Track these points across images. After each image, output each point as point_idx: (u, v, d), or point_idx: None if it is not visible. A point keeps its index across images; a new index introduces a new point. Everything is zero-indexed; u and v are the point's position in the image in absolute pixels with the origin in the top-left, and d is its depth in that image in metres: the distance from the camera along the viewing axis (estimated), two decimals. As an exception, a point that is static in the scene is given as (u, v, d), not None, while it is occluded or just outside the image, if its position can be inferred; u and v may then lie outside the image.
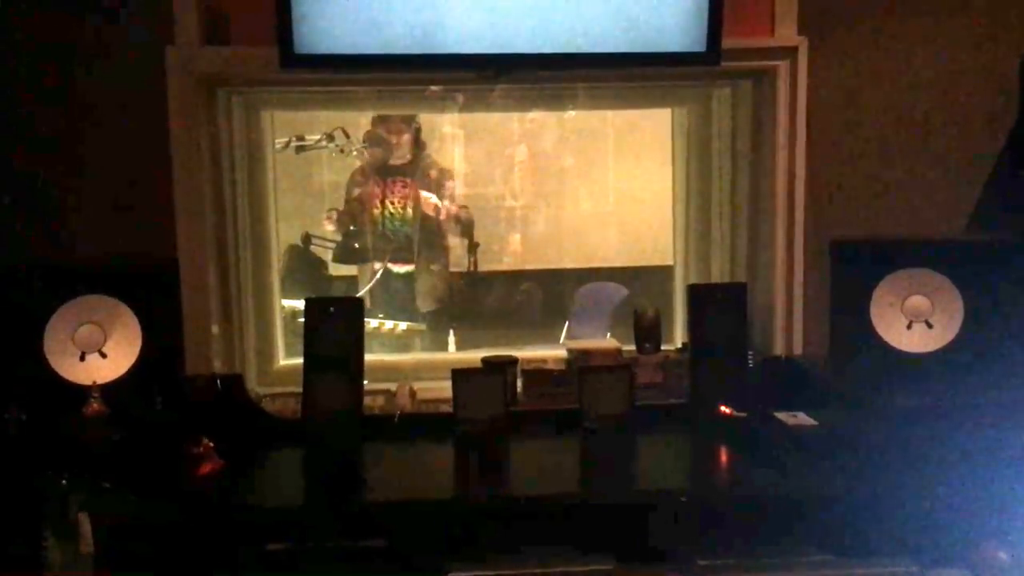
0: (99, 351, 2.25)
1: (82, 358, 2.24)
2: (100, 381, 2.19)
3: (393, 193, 4.66)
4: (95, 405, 2.13)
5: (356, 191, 4.78)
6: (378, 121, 4.60)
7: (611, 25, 2.61)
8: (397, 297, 4.76)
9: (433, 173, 4.69)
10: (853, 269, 2.40)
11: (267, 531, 2.06)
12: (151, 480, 2.07)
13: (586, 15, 2.61)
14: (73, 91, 2.71)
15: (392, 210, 4.67)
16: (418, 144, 4.65)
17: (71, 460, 2.02)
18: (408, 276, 4.75)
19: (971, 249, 2.43)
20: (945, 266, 2.38)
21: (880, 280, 2.36)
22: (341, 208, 4.89)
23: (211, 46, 2.77)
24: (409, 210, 4.64)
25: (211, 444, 2.20)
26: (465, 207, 4.77)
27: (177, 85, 2.78)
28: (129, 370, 2.26)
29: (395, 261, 4.74)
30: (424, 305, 4.71)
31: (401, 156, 4.63)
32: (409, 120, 4.55)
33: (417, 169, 4.65)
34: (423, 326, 4.74)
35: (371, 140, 4.65)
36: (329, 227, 4.91)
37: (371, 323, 4.56)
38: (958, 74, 2.89)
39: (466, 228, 4.77)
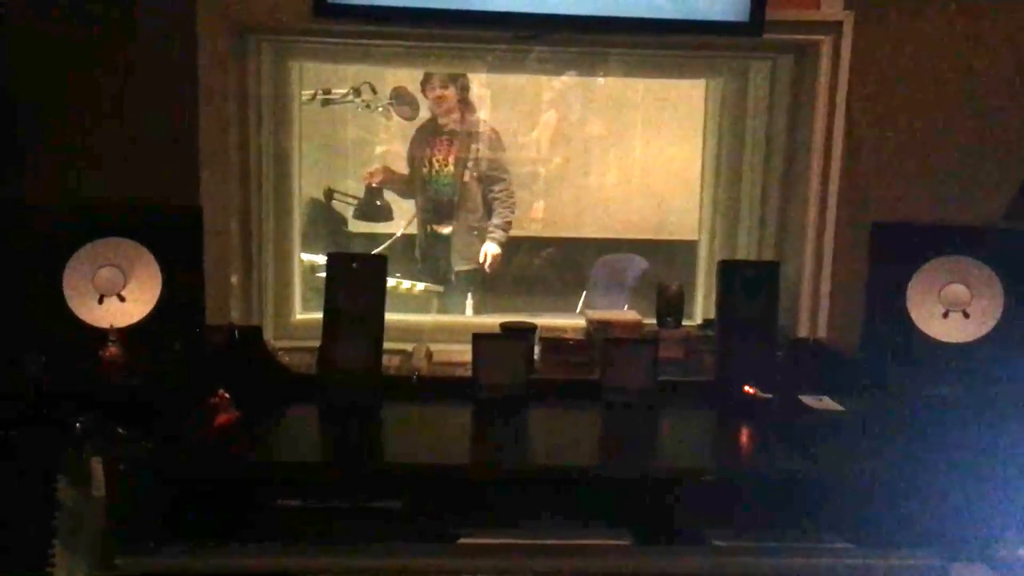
0: (118, 295, 2.21)
1: (100, 301, 2.20)
2: (118, 325, 2.16)
3: (438, 152, 4.63)
4: (112, 349, 2.10)
5: (412, 149, 4.77)
6: (425, 78, 4.55)
7: (653, -10, 2.56)
8: (438, 258, 4.75)
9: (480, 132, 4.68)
10: (892, 253, 2.34)
11: (281, 486, 2.03)
12: (166, 427, 2.04)
13: (627, -21, 2.55)
14: (102, 34, 2.66)
15: (437, 169, 4.65)
16: (466, 103, 4.61)
17: (86, 403, 1.99)
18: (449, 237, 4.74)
19: (1016, 238, 2.36)
20: (988, 255, 2.31)
21: (920, 266, 2.30)
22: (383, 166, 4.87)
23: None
24: (452, 169, 4.60)
25: (227, 395, 2.16)
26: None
27: (209, 30, 2.73)
28: (148, 315, 2.22)
29: (439, 223, 4.73)
30: (458, 264, 4.70)
31: (447, 114, 4.59)
32: (455, 78, 4.50)
33: (464, 128, 4.62)
34: (441, 288, 4.71)
35: (398, 97, 4.62)
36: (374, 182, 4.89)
37: (388, 282, 4.53)
38: (1008, 54, 2.81)
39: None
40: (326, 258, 2.40)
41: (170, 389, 2.11)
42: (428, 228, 4.77)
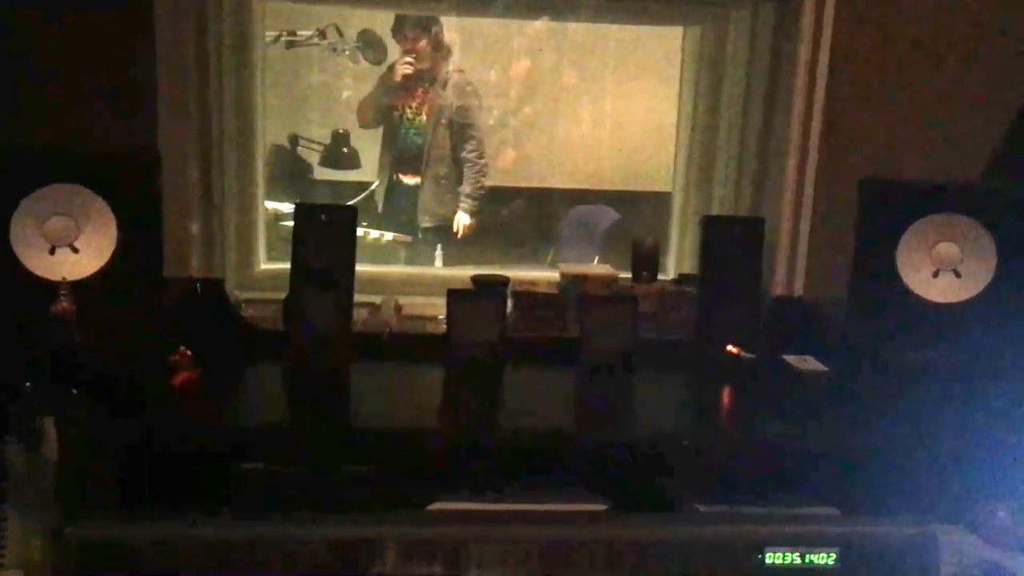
0: (70, 246, 2.08)
1: (52, 252, 2.08)
2: (70, 278, 2.03)
3: (411, 100, 4.53)
4: (64, 303, 1.98)
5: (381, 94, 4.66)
6: (396, 25, 4.43)
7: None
8: (403, 209, 4.66)
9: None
10: (881, 211, 2.27)
11: (245, 448, 1.94)
12: (122, 386, 1.94)
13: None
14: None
15: (409, 116, 4.54)
16: (439, 49, 4.49)
17: (37, 361, 1.88)
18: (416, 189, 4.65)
19: (1009, 195, 2.29)
20: (980, 212, 2.24)
21: (910, 224, 2.23)
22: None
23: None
24: (424, 118, 4.50)
25: (188, 352, 2.07)
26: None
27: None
28: (102, 268, 2.10)
29: (406, 172, 4.63)
30: (424, 220, 4.60)
31: (420, 61, 4.47)
32: (427, 23, 4.38)
33: (438, 76, 4.51)
34: (409, 238, 4.63)
35: (364, 40, 4.49)
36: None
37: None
38: (1002, 4, 2.73)
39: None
40: (293, 209, 2.29)
41: (126, 346, 2.01)
42: (395, 177, 4.66)
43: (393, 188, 4.66)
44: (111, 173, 2.11)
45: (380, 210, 4.72)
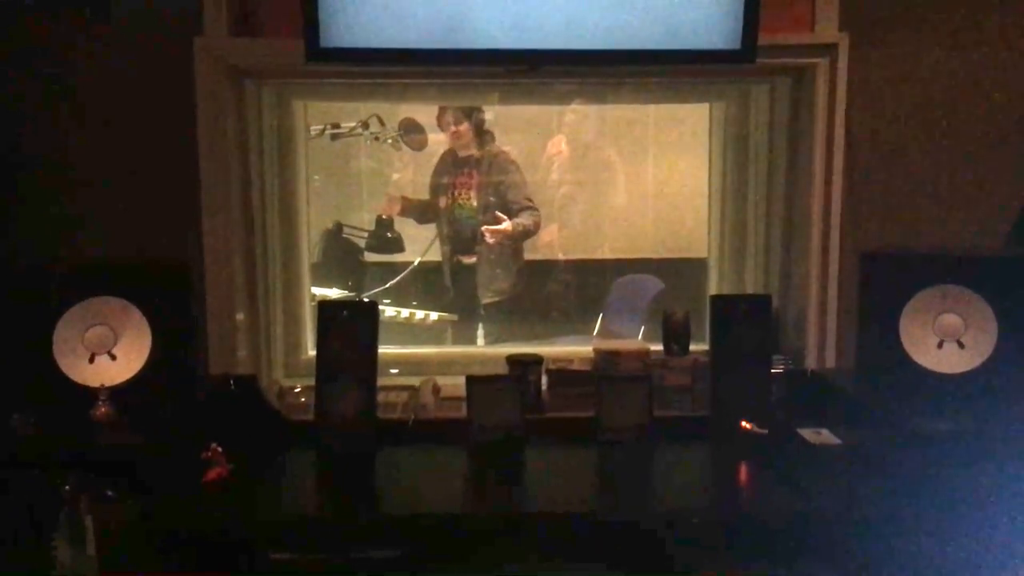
0: (108, 353, 2.23)
1: (91, 360, 2.22)
2: (108, 383, 2.18)
3: (460, 185, 4.66)
4: (103, 408, 2.12)
5: (434, 179, 4.83)
6: (440, 113, 4.59)
7: (644, 21, 2.54)
8: (464, 288, 4.77)
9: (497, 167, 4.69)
10: (884, 282, 2.30)
11: (274, 540, 2.03)
12: (158, 484, 2.05)
13: (617, 10, 2.53)
14: (91, 84, 2.67)
15: (459, 201, 4.67)
16: (481, 133, 4.63)
17: (78, 463, 2.01)
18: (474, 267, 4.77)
19: (1010, 266, 2.31)
20: (982, 283, 2.26)
21: (912, 296, 2.26)
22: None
23: (240, 37, 2.73)
24: (474, 202, 4.63)
25: (220, 449, 2.18)
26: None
27: (205, 76, 2.74)
28: (139, 372, 2.24)
29: (464, 253, 4.75)
30: (484, 296, 4.70)
31: (465, 147, 4.62)
32: (468, 111, 4.53)
33: (483, 160, 4.64)
34: (455, 316, 4.72)
35: (405, 128, 4.63)
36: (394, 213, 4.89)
37: (402, 312, 4.57)
38: (1010, 77, 2.76)
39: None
40: (317, 306, 2.41)
41: (162, 446, 2.12)
42: (455, 259, 4.79)
43: (456, 269, 4.79)
44: (145, 283, 2.26)
45: (451, 294, 4.85)
